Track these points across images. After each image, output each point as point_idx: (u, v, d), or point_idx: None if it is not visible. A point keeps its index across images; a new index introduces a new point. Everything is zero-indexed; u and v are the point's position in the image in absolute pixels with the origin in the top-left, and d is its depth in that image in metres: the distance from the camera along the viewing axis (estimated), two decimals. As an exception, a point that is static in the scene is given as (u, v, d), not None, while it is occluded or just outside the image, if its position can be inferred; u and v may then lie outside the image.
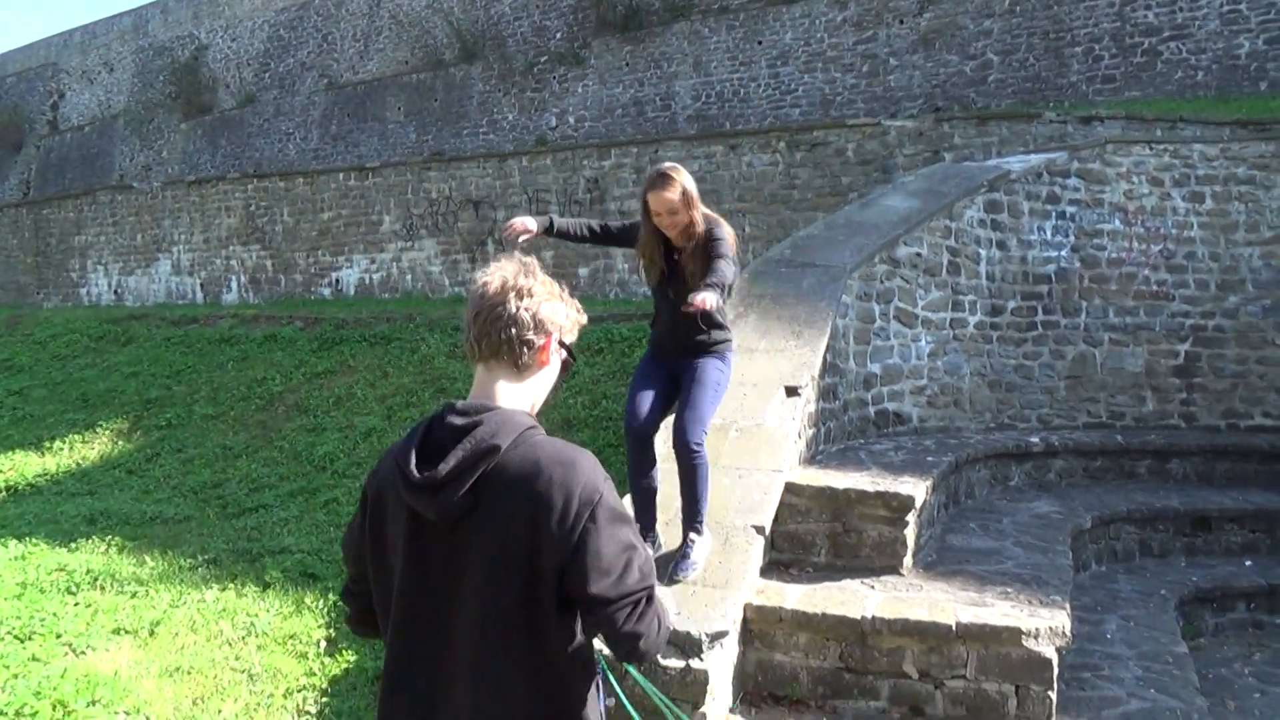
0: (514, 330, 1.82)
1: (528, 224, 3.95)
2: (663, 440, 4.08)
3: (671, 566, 3.84)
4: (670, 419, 4.01)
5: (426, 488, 1.72)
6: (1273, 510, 6.42)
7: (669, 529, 4.07)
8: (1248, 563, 6.16)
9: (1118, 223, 7.83)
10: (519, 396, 1.88)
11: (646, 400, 3.95)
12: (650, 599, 1.79)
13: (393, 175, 16.08)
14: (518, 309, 1.82)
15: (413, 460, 1.75)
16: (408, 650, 1.78)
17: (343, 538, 2.01)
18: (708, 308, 3.54)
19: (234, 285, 17.85)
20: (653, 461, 3.98)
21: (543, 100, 19.82)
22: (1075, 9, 14.24)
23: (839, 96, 16.38)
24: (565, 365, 1.97)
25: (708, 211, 3.88)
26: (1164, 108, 11.68)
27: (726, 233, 3.85)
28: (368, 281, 16.18)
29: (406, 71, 22.38)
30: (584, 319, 1.98)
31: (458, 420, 1.77)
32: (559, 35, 20.10)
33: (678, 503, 4.01)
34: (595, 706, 1.88)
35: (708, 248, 3.80)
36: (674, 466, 3.94)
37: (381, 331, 12.34)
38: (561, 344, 1.92)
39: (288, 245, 17.11)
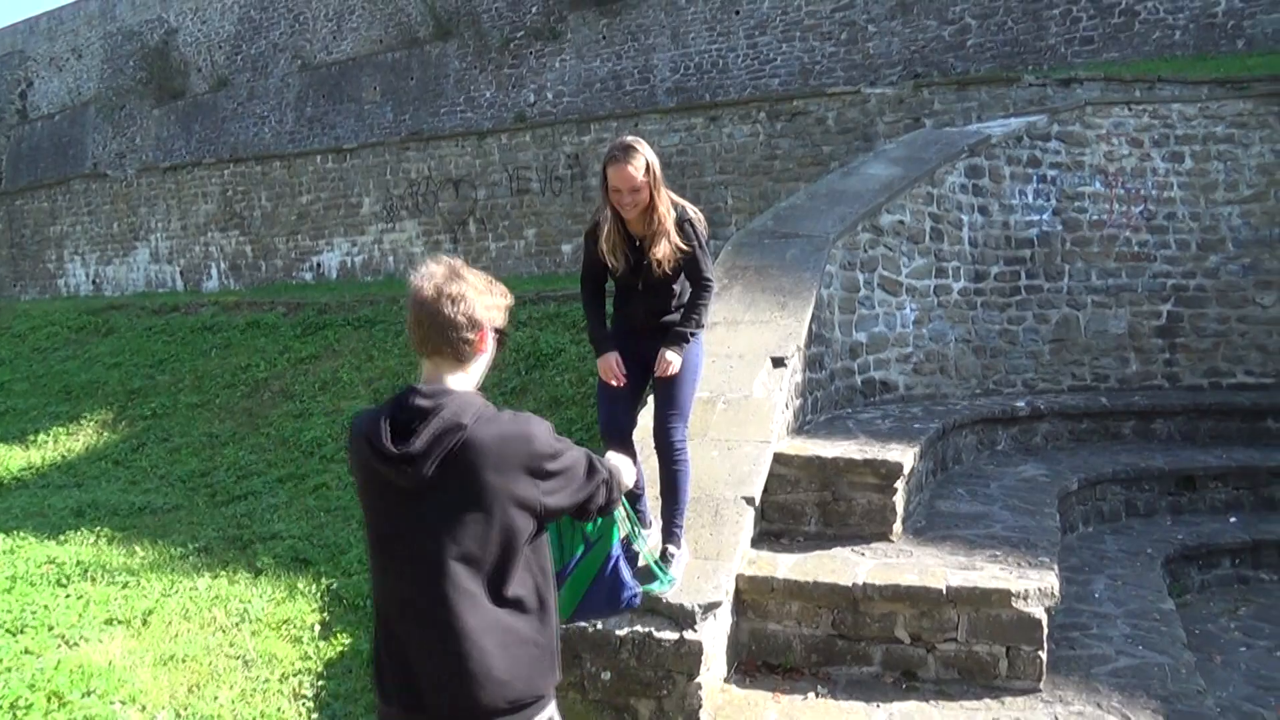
0: (453, 333, 2.12)
1: (617, 365, 3.74)
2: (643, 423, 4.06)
3: (649, 579, 3.65)
4: (645, 410, 3.93)
5: (401, 460, 2.04)
6: (1255, 467, 6.49)
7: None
8: (1232, 519, 6.24)
9: (1098, 185, 7.84)
10: (466, 381, 2.19)
11: (620, 403, 3.78)
12: (607, 484, 2.32)
13: (371, 156, 15.92)
14: (454, 313, 2.11)
15: (386, 436, 2.06)
16: (386, 584, 2.15)
17: None
18: (671, 371, 3.61)
19: (214, 272, 17.69)
20: (633, 456, 3.79)
21: (520, 76, 19.65)
22: (1052, -29, 14.19)
23: (818, 65, 16.29)
24: (499, 343, 2.25)
25: (674, 197, 3.69)
26: (1142, 68, 11.68)
27: (702, 228, 3.72)
28: (349, 264, 16.07)
29: (381, 50, 22.12)
30: (510, 301, 2.27)
31: (423, 402, 2.09)
32: (534, 10, 19.88)
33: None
34: (554, 630, 2.22)
35: (690, 263, 3.66)
36: (653, 456, 3.86)
37: (365, 314, 12.26)
38: (499, 330, 2.22)
39: (267, 230, 16.95)
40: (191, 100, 25.53)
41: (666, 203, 3.63)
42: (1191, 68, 11.22)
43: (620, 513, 2.72)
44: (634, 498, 3.88)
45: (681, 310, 3.75)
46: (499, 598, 2.08)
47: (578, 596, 2.73)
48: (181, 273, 18.16)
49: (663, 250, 3.62)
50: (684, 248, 3.64)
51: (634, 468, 2.81)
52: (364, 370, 10.85)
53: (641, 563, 3.40)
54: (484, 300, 2.17)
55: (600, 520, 2.64)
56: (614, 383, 3.73)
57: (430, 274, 2.17)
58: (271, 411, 10.53)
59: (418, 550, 2.07)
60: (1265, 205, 7.84)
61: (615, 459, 2.56)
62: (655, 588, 3.53)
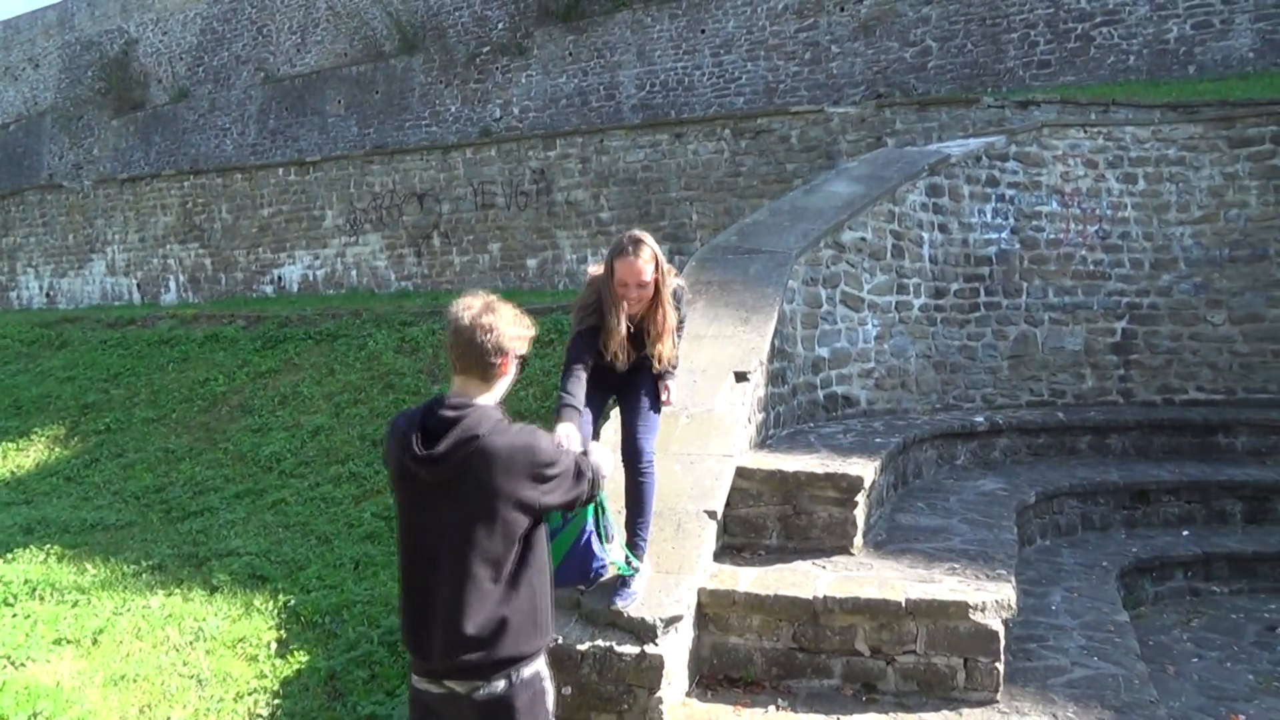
0: (483, 357, 2.55)
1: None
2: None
3: (611, 594, 3.70)
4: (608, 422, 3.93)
5: (428, 460, 2.50)
6: (1207, 481, 6.62)
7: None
8: (1184, 533, 6.35)
9: (1055, 204, 8.00)
10: (489, 397, 2.63)
11: (586, 422, 3.71)
12: (592, 482, 2.82)
13: (334, 169, 15.80)
14: (484, 340, 2.53)
15: (416, 440, 2.52)
16: (412, 567, 2.62)
17: None
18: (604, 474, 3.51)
19: (172, 285, 17.42)
20: None
21: (486, 91, 19.64)
22: (1010, -4, 14.49)
23: (782, 84, 16.48)
24: (521, 366, 2.70)
25: (663, 262, 3.68)
26: (1097, 92, 11.95)
27: (686, 294, 3.83)
28: (311, 278, 15.90)
29: (346, 64, 22.01)
30: (533, 332, 2.69)
31: (449, 413, 2.54)
32: (501, 25, 19.92)
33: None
34: (545, 603, 2.67)
35: (678, 326, 3.76)
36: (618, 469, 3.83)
37: (327, 328, 12.13)
38: (521, 356, 2.63)
39: (227, 243, 16.74)
40: (151, 111, 25.19)
41: (670, 302, 3.64)
42: (1144, 92, 11.50)
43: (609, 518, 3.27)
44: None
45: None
46: (497, 579, 2.53)
47: (554, 565, 2.98)
48: (139, 285, 17.86)
49: (666, 350, 3.69)
50: (674, 358, 3.79)
51: (610, 455, 3.17)
52: (325, 385, 10.73)
53: (611, 557, 3.42)
54: (511, 331, 2.57)
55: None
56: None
57: (468, 305, 2.58)
58: (230, 426, 10.37)
59: (436, 537, 2.55)
60: (1215, 226, 8.04)
61: (596, 451, 3.01)
62: (623, 570, 3.60)
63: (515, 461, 2.51)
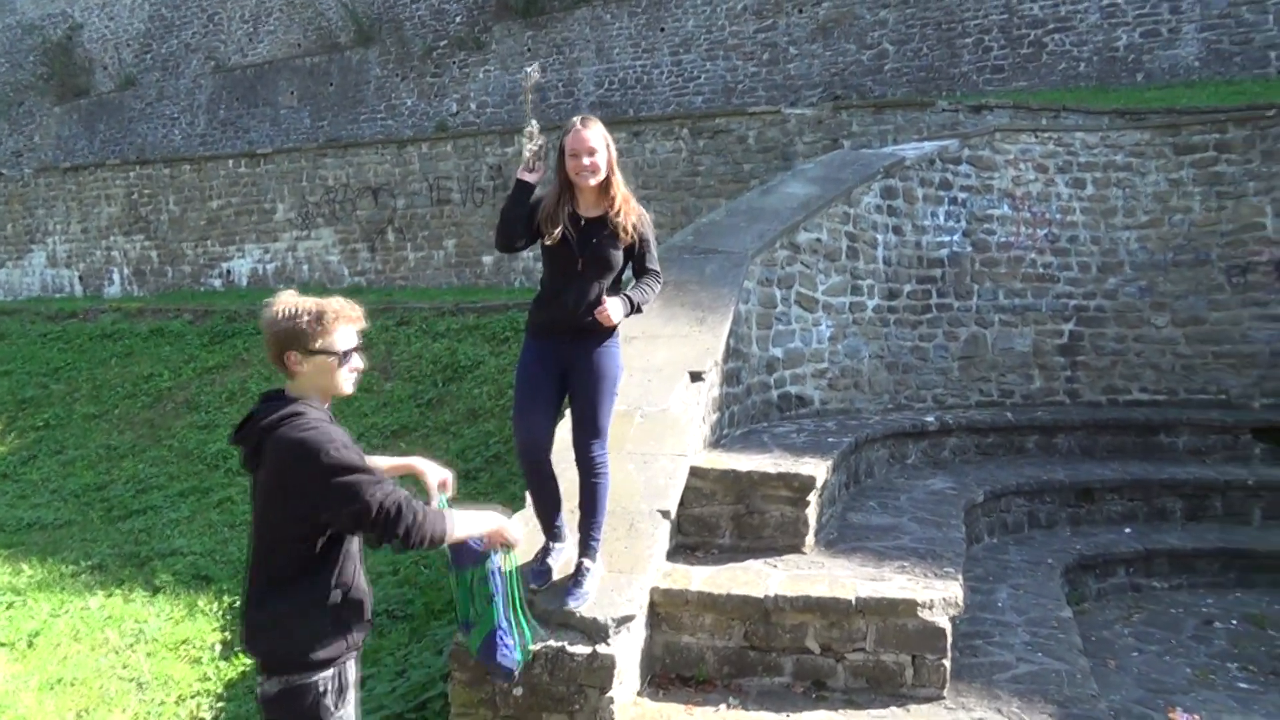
0: (275, 352, 2.59)
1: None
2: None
3: (563, 594, 3.66)
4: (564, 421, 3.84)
5: (234, 443, 2.63)
6: (1149, 480, 6.78)
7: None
8: (1127, 530, 6.50)
9: (1006, 208, 8.12)
10: (297, 389, 2.61)
11: (540, 420, 3.69)
12: (394, 521, 2.49)
13: (286, 162, 15.52)
14: (273, 338, 2.57)
15: (235, 429, 2.63)
16: (249, 548, 2.66)
17: None
18: (614, 322, 3.52)
19: (116, 277, 16.99)
20: (550, 477, 3.77)
21: (443, 86, 19.44)
22: (965, 1, 14.70)
23: (740, 84, 16.54)
24: (341, 359, 2.60)
25: (629, 194, 3.65)
26: (1049, 97, 12.16)
27: (650, 221, 3.72)
28: (261, 272, 15.62)
29: (299, 54, 21.64)
30: (339, 330, 2.58)
31: (258, 406, 2.61)
32: (458, 19, 19.73)
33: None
34: (343, 615, 2.59)
35: (642, 252, 3.66)
36: (572, 467, 3.81)
37: (277, 323, 11.92)
38: (312, 351, 2.55)
39: (174, 235, 16.37)
40: (96, 99, 24.54)
41: (621, 186, 3.60)
42: (1094, 98, 11.74)
43: (500, 590, 3.11)
44: (553, 505, 3.84)
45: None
46: (280, 577, 2.52)
47: (478, 642, 3.18)
48: (80, 277, 17.40)
49: (633, 217, 3.59)
50: (639, 226, 3.63)
51: (493, 521, 2.90)
52: (275, 380, 10.46)
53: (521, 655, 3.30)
54: (299, 330, 2.54)
55: (487, 602, 3.11)
56: (528, 165, 3.53)
57: (272, 303, 2.59)
58: (175, 423, 10.14)
59: (252, 523, 2.63)
60: (1160, 231, 8.23)
61: (474, 516, 2.87)
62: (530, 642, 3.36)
63: (301, 457, 2.45)
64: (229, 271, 15.88)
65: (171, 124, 22.99)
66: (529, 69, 3.90)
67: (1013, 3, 14.36)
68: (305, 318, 2.55)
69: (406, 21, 20.34)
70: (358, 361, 2.66)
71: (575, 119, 3.59)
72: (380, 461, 2.96)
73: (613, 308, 3.52)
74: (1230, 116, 8.29)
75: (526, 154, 3.53)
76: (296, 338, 2.55)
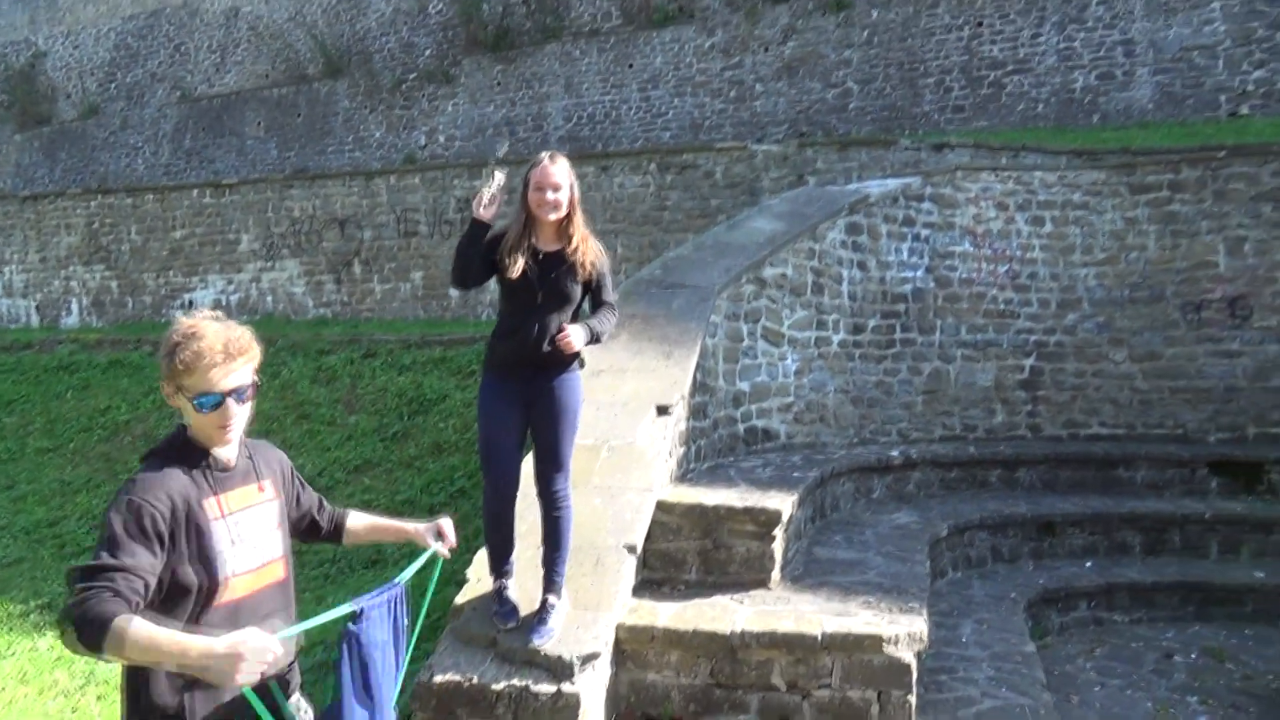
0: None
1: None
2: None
3: (528, 632, 3.62)
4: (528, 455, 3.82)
5: None
6: (1109, 514, 6.86)
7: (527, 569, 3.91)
8: (1088, 564, 6.56)
9: (968, 245, 8.26)
10: (186, 421, 2.28)
11: (509, 459, 3.66)
12: (78, 593, 1.97)
13: (252, 193, 15.41)
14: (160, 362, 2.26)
15: None
16: None
17: None
18: (575, 349, 3.53)
19: (74, 308, 16.70)
20: (513, 514, 3.75)
21: (411, 118, 19.46)
22: (927, 43, 15.03)
23: (708, 120, 16.73)
24: (200, 404, 2.20)
25: (589, 232, 3.71)
26: (1008, 137, 12.43)
27: (609, 267, 3.77)
28: (224, 303, 15.42)
29: (267, 85, 21.58)
30: (195, 367, 2.17)
31: None
32: (428, 53, 19.81)
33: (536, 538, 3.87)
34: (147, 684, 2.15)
35: (599, 286, 3.70)
36: (534, 504, 3.77)
37: (240, 355, 11.76)
38: (176, 388, 2.21)
39: (135, 265, 16.15)
40: (58, 127, 24.26)
41: (583, 225, 3.66)
42: (1052, 138, 12.01)
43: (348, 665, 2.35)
44: (507, 548, 3.79)
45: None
46: None
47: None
48: (37, 308, 17.07)
49: (592, 254, 3.64)
50: (598, 262, 3.68)
51: (252, 644, 1.94)
52: (236, 413, 10.37)
53: None
54: (160, 362, 2.25)
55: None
56: (484, 204, 3.52)
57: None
58: (132, 456, 9.92)
59: None
60: (1117, 268, 8.41)
61: (248, 636, 1.94)
62: None
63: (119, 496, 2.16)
64: (191, 302, 15.66)
65: (135, 153, 22.77)
66: (492, 170, 3.85)
67: (973, 45, 14.71)
68: (164, 350, 2.21)
69: (376, 54, 20.39)
70: (231, 411, 2.21)
71: (543, 154, 3.64)
72: (381, 522, 2.76)
73: (574, 334, 3.53)
74: (1183, 157, 8.53)
75: (485, 194, 3.55)
76: (162, 369, 2.24)
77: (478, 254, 3.62)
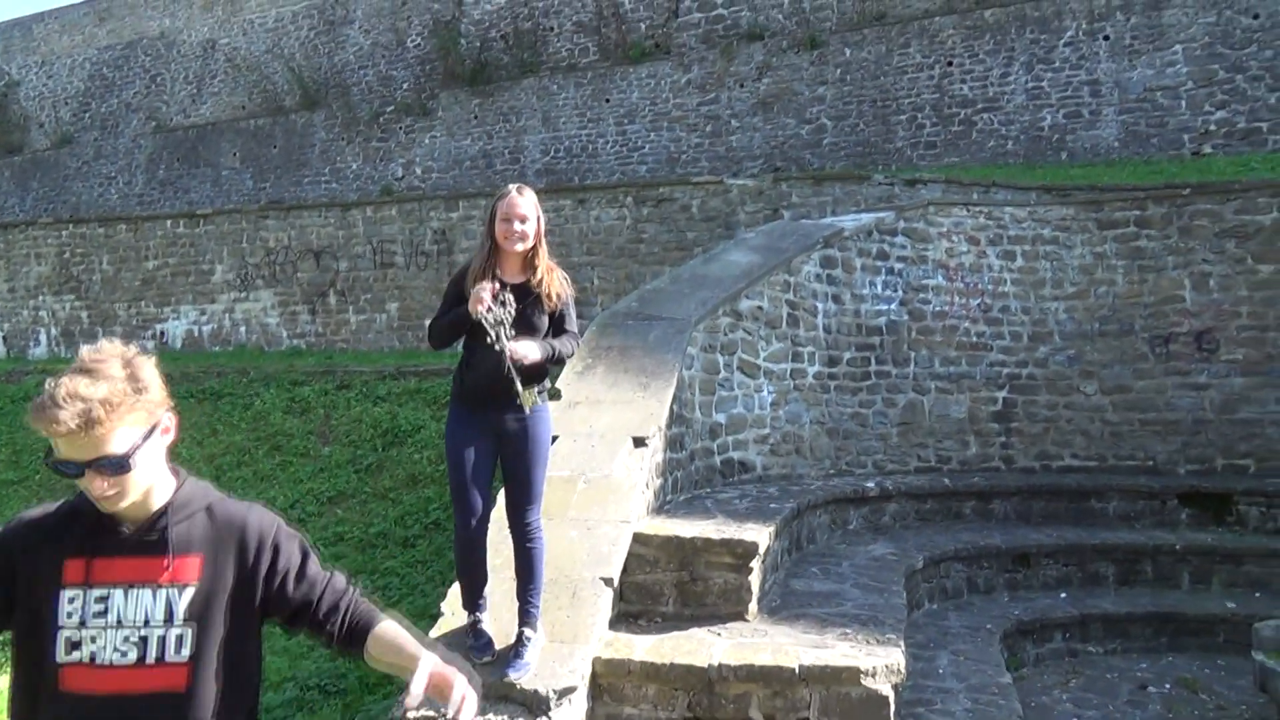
0: None
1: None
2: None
3: (503, 665, 3.56)
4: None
5: None
6: (1082, 545, 6.92)
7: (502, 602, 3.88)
8: (1062, 595, 6.59)
9: (940, 278, 8.37)
10: None
11: (480, 492, 3.61)
12: None
13: (226, 223, 15.35)
14: None
15: None
16: None
17: None
18: (527, 361, 3.49)
19: (43, 338, 16.48)
20: (485, 548, 3.74)
21: (389, 150, 19.51)
22: (899, 80, 15.31)
23: (684, 155, 16.89)
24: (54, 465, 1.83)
25: (554, 263, 3.74)
26: (979, 173, 12.64)
27: (573, 298, 3.78)
28: (197, 333, 15.30)
29: (243, 116, 21.57)
30: (49, 436, 1.78)
31: None
32: (406, 86, 19.91)
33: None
34: None
35: (563, 316, 3.70)
36: (508, 536, 3.75)
37: (211, 386, 11.65)
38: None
39: (106, 295, 15.99)
40: (30, 156, 24.09)
41: (547, 256, 3.68)
42: (1022, 175, 12.23)
43: None
44: (480, 582, 3.76)
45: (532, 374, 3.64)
46: None
47: None
48: (5, 338, 16.83)
49: (557, 285, 3.65)
50: (563, 294, 3.69)
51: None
52: (207, 445, 10.25)
53: None
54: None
55: None
56: (485, 297, 3.45)
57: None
58: (100, 488, 9.76)
59: None
60: (1086, 302, 8.54)
61: None
62: None
63: None
64: (163, 333, 15.52)
65: (108, 183, 22.64)
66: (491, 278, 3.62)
67: (944, 83, 15.00)
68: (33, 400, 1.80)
69: (354, 87, 20.46)
70: (98, 484, 1.77)
71: (511, 186, 3.69)
72: (408, 646, 1.96)
73: (524, 347, 3.50)
74: (1149, 194, 8.71)
75: (486, 297, 3.46)
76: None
77: (463, 331, 3.65)
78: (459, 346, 3.78)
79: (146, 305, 15.70)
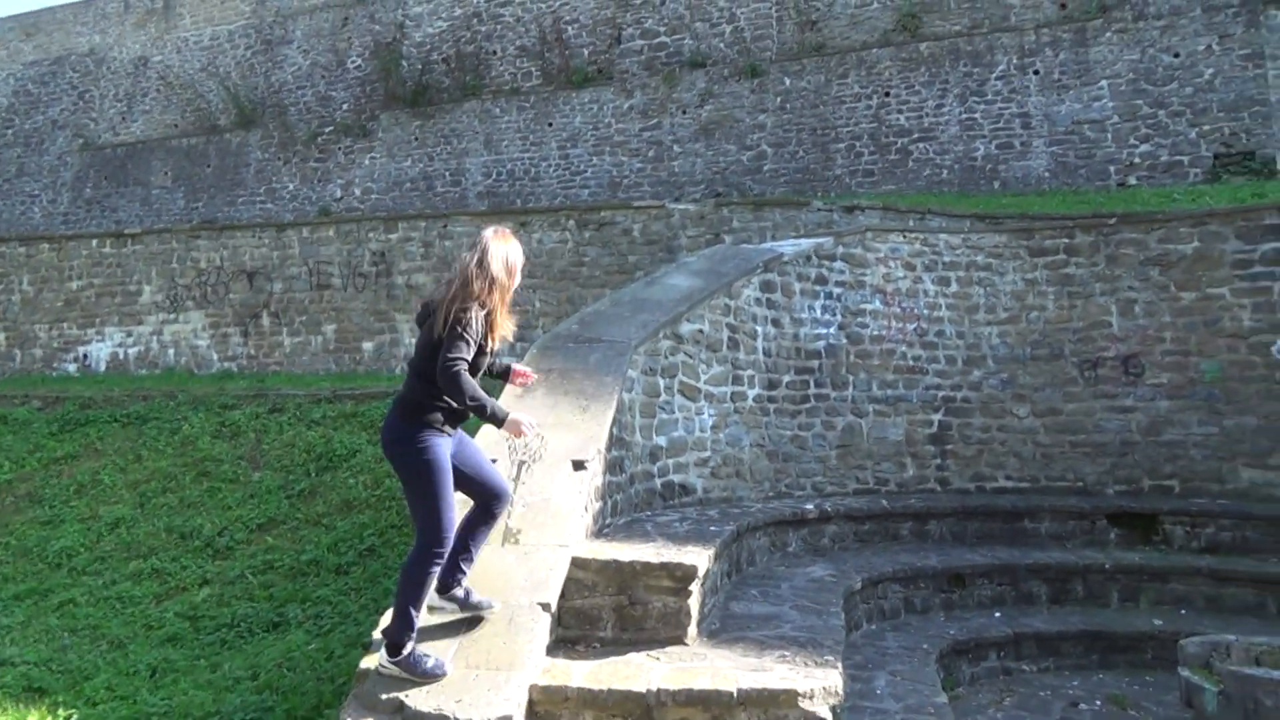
0: None
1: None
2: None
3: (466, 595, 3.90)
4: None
5: None
6: (1015, 565, 7.02)
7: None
8: (997, 614, 6.67)
9: (878, 303, 8.49)
10: None
11: (457, 513, 3.88)
12: None
13: (156, 243, 14.94)
14: None
15: None
16: None
17: None
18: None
19: (-42, 360, 15.80)
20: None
21: (327, 171, 19.25)
22: (838, 110, 15.61)
23: (626, 179, 16.96)
24: None
25: None
26: (915, 200, 12.92)
27: None
28: (122, 356, 14.81)
29: (176, 135, 21.10)
30: None
31: None
32: (345, 106, 19.69)
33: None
34: None
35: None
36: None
37: (136, 410, 11.26)
38: None
39: (26, 317, 15.42)
40: (-50, 173, 23.20)
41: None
42: (956, 203, 12.53)
43: None
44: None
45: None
46: None
47: None
48: (-82, 360, 16.08)
49: (510, 328, 3.93)
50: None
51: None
52: (130, 472, 9.88)
53: None
54: None
55: None
56: (528, 433, 3.97)
57: None
58: (14, 519, 9.34)
59: None
60: (1019, 327, 8.74)
61: None
62: None
63: None
64: (85, 356, 14.99)
65: (32, 201, 21.92)
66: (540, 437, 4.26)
67: (881, 113, 15.34)
68: None
69: (291, 106, 20.17)
70: None
71: (506, 230, 3.94)
72: None
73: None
74: (1077, 223, 8.98)
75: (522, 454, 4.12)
76: None
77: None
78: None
79: (69, 327, 15.17)
